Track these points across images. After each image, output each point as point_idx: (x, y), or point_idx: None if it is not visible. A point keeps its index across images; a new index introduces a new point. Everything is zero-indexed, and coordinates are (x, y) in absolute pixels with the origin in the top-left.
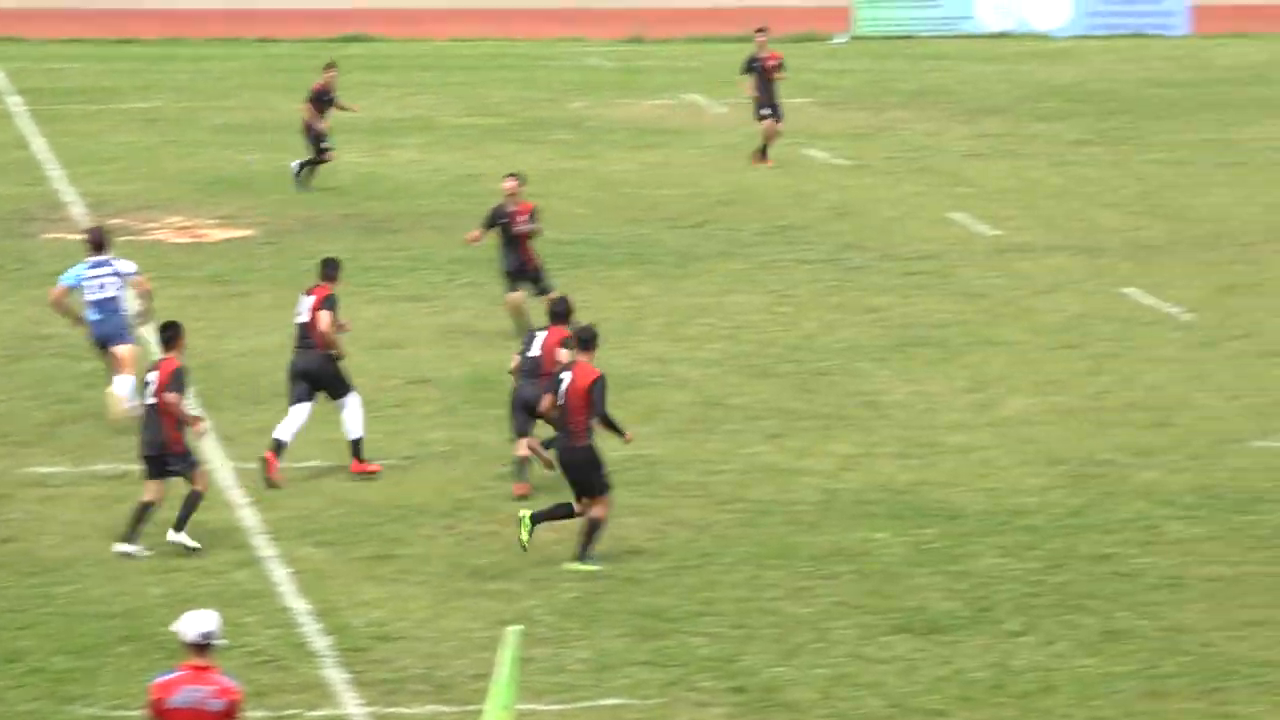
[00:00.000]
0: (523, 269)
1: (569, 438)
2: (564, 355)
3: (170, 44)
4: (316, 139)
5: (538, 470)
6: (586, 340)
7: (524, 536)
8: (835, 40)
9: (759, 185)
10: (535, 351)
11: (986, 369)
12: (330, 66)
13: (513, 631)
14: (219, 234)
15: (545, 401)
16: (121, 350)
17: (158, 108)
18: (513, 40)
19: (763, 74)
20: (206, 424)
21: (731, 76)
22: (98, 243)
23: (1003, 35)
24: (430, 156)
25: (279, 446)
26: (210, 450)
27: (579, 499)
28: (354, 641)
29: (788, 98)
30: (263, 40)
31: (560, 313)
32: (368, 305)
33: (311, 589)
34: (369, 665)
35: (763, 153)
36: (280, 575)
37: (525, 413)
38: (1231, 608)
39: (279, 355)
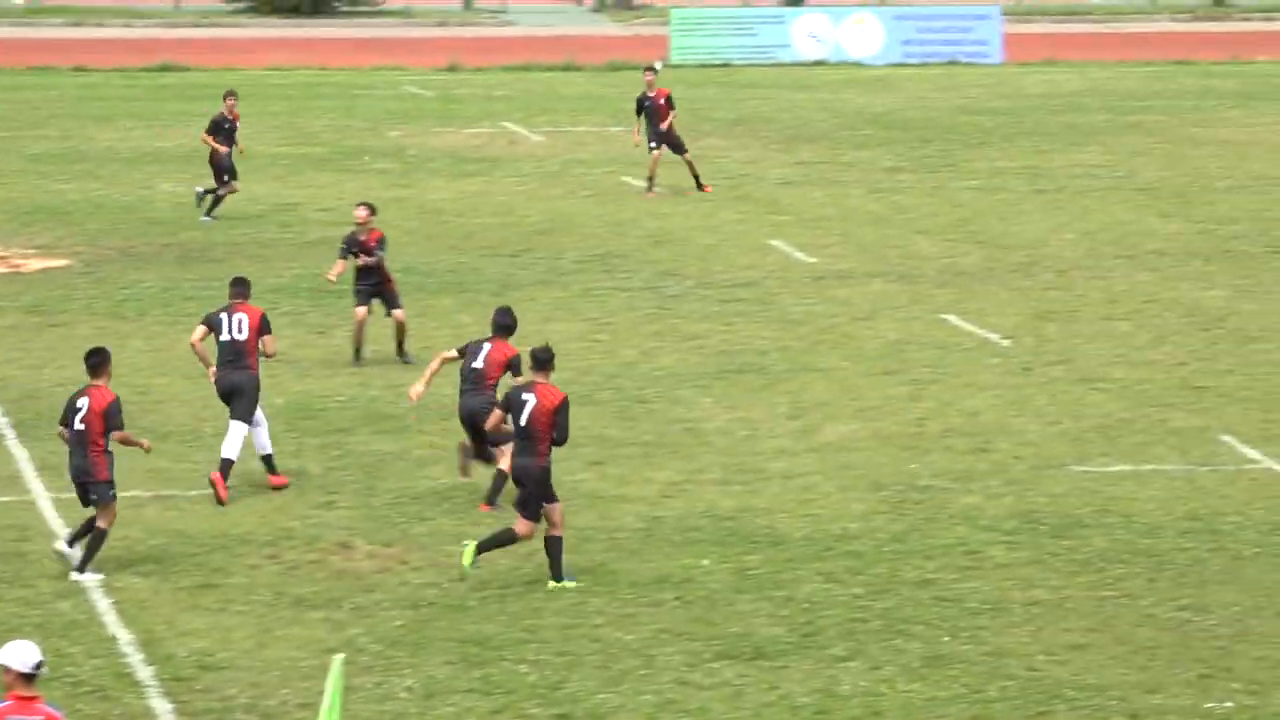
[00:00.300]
0: (376, 293)
1: (531, 456)
2: (513, 379)
3: None
4: (218, 170)
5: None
6: (545, 361)
7: (466, 563)
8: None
9: (577, 213)
10: (479, 364)
11: (807, 395)
12: (229, 95)
13: (337, 660)
14: (36, 264)
15: (493, 418)
16: None
17: None
18: (329, 69)
19: (653, 112)
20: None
21: (548, 105)
22: None
23: (818, 64)
24: (247, 186)
25: (227, 466)
26: (30, 481)
27: (524, 512)
28: (178, 671)
29: (603, 126)
30: (77, 69)
31: (506, 325)
32: (186, 335)
33: (134, 619)
34: (194, 695)
35: (696, 181)
36: (103, 605)
37: (471, 425)
38: (1054, 632)
39: None
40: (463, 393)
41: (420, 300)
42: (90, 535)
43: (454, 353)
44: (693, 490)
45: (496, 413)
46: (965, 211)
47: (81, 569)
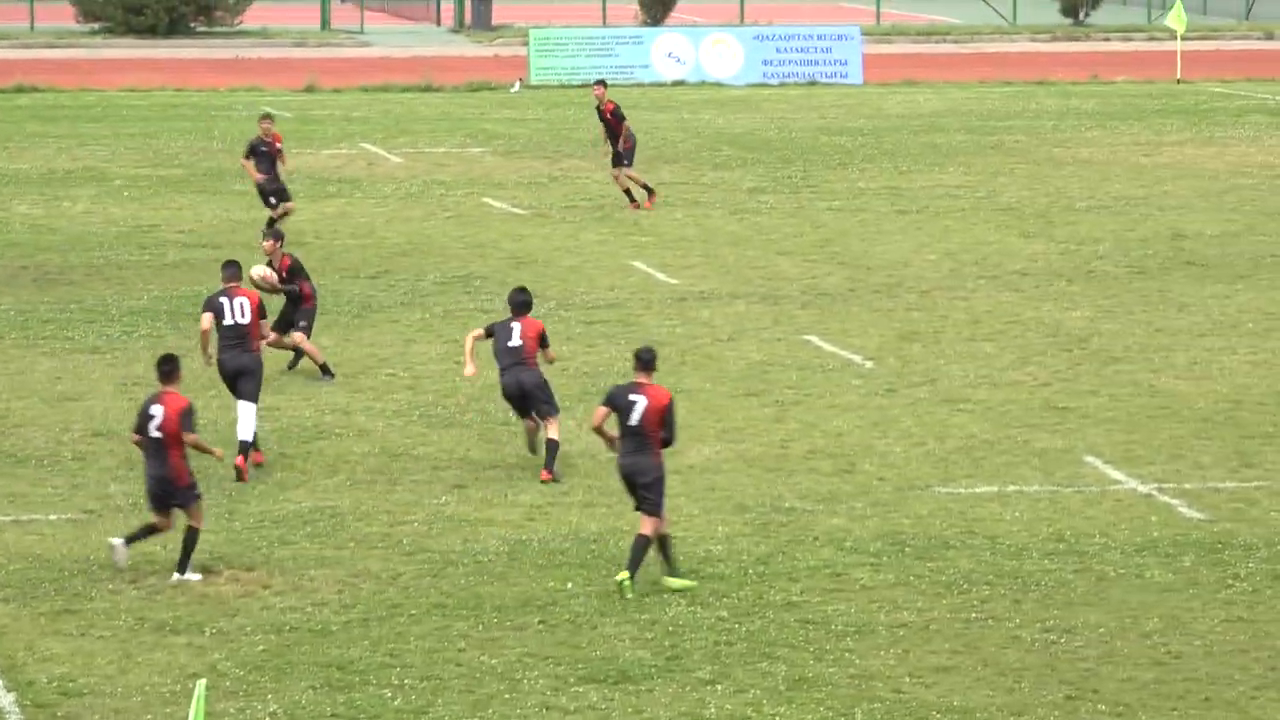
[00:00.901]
0: (296, 319)
1: (646, 454)
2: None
3: None
4: (262, 193)
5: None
6: (649, 361)
7: (629, 594)
8: (511, 89)
9: (437, 235)
10: (516, 341)
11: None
12: (265, 118)
13: (200, 685)
14: None
15: (597, 416)
16: None
17: None
18: (187, 90)
19: (608, 124)
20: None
21: (407, 126)
22: None
23: (678, 84)
24: (103, 208)
25: (245, 448)
26: None
27: (648, 509)
28: (39, 697)
29: (463, 147)
30: None
31: (526, 303)
32: (44, 358)
33: None
34: None
35: (647, 193)
36: None
37: (520, 400)
38: (920, 654)
39: None
40: (505, 370)
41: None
42: (185, 536)
43: (481, 331)
44: (557, 513)
45: (600, 410)
46: (827, 232)
47: (182, 570)
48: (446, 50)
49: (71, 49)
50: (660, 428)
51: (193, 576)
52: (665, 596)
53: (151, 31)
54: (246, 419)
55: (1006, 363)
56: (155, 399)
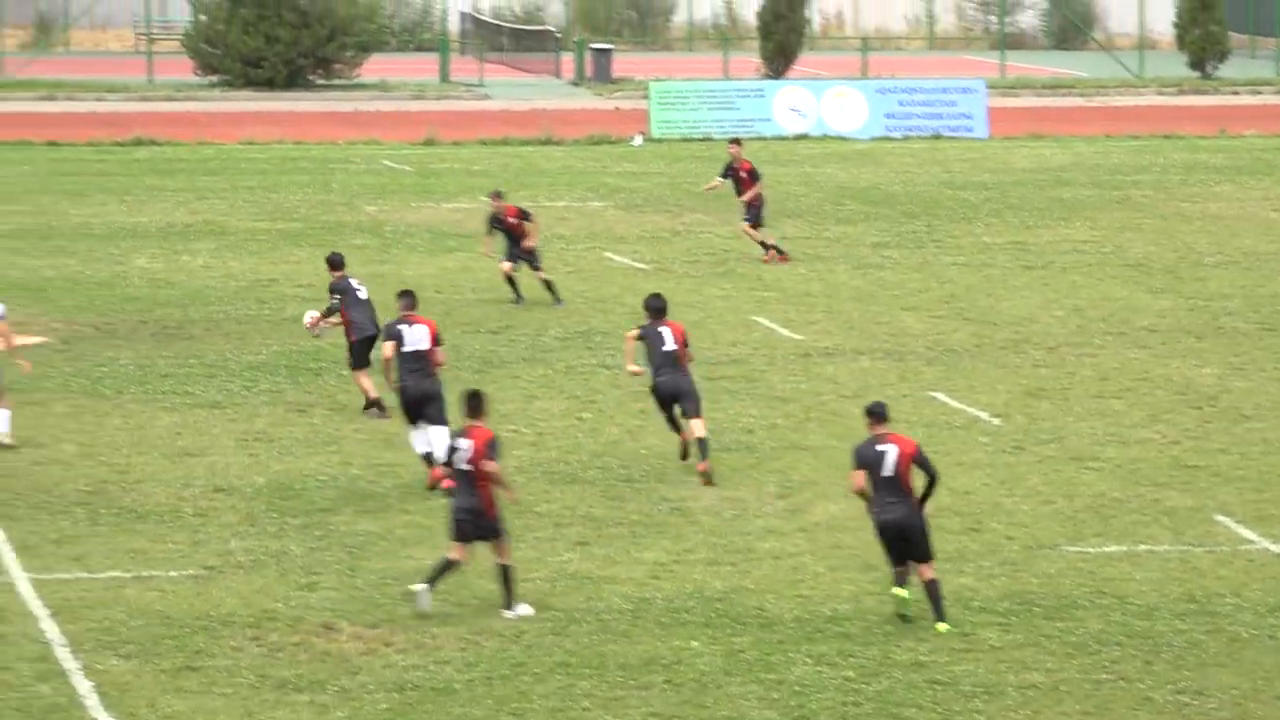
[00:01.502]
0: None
1: (906, 507)
2: (883, 438)
3: None
4: (524, 258)
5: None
6: (882, 412)
7: (906, 606)
8: (632, 142)
9: (560, 290)
10: (670, 345)
11: (795, 474)
12: (495, 195)
13: None
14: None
15: (855, 481)
16: None
17: None
18: (305, 143)
19: (739, 181)
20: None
21: (527, 179)
22: None
23: (801, 137)
24: (222, 262)
25: (430, 459)
26: (7, 562)
27: (900, 563)
28: None
29: (584, 201)
30: (50, 144)
31: (663, 307)
32: (164, 412)
33: (116, 702)
34: None
35: (777, 251)
36: (84, 688)
37: (672, 403)
38: (1050, 716)
39: (75, 464)
40: (660, 371)
41: None
42: (502, 574)
43: (635, 331)
44: (681, 571)
45: (857, 475)
46: (952, 287)
47: (509, 605)
48: (567, 103)
49: (190, 102)
50: (910, 474)
51: (523, 609)
52: (790, 655)
53: (270, 84)
54: (438, 440)
55: (1135, 420)
56: (462, 433)
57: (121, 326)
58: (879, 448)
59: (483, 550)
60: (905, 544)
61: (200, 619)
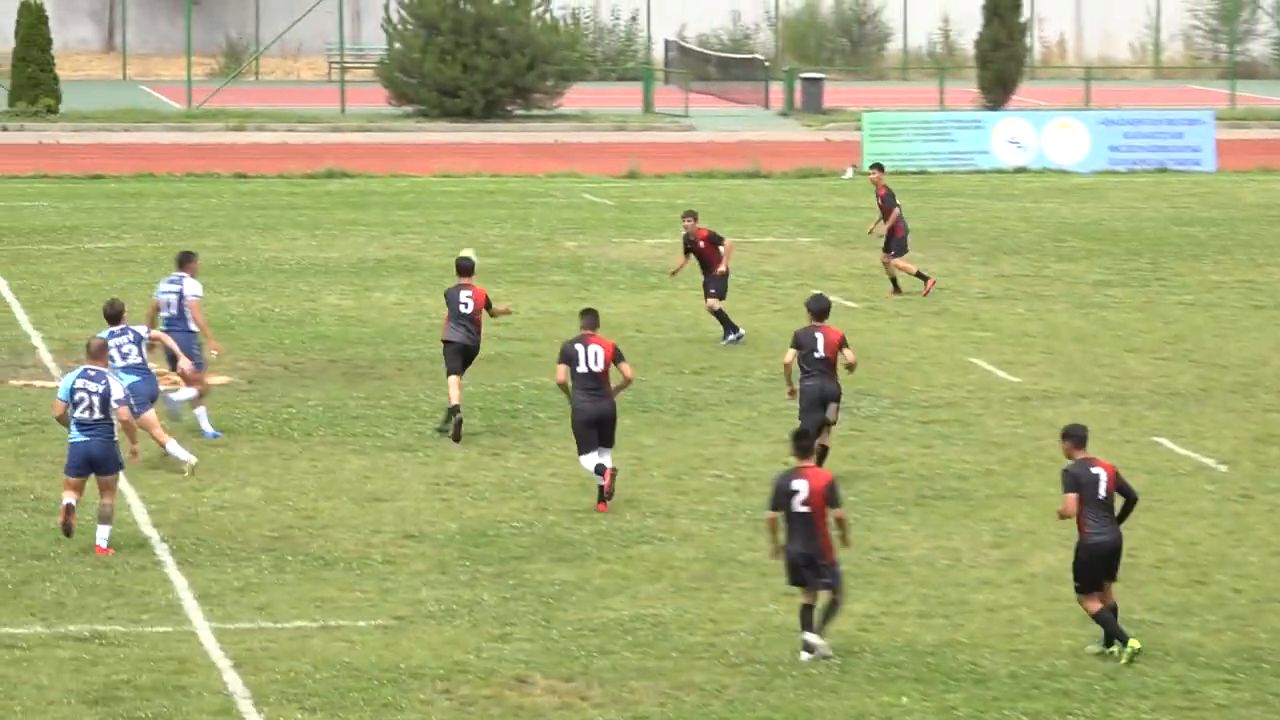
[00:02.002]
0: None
1: (1114, 529)
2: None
3: (140, 180)
4: (712, 285)
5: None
6: (1082, 436)
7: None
8: (843, 175)
9: (764, 329)
10: (821, 351)
11: (1012, 523)
12: (688, 215)
13: None
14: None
15: (1067, 505)
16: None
17: (128, 247)
18: (502, 176)
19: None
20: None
21: (733, 214)
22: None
23: (1020, 171)
24: (416, 299)
25: (601, 470)
26: (190, 611)
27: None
28: None
29: (792, 237)
30: (238, 176)
31: (824, 309)
32: (353, 456)
33: None
34: None
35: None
36: None
37: (820, 406)
38: None
39: (260, 509)
40: (811, 378)
41: None
42: (830, 609)
43: (792, 352)
44: (891, 623)
45: (1070, 499)
46: (1178, 328)
47: (821, 636)
48: (775, 134)
49: (383, 133)
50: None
51: (823, 648)
52: (1005, 713)
53: (466, 115)
54: (607, 458)
55: None
56: (795, 474)
57: (310, 366)
58: (1093, 469)
59: (667, 593)
60: (1106, 564)
61: (389, 671)
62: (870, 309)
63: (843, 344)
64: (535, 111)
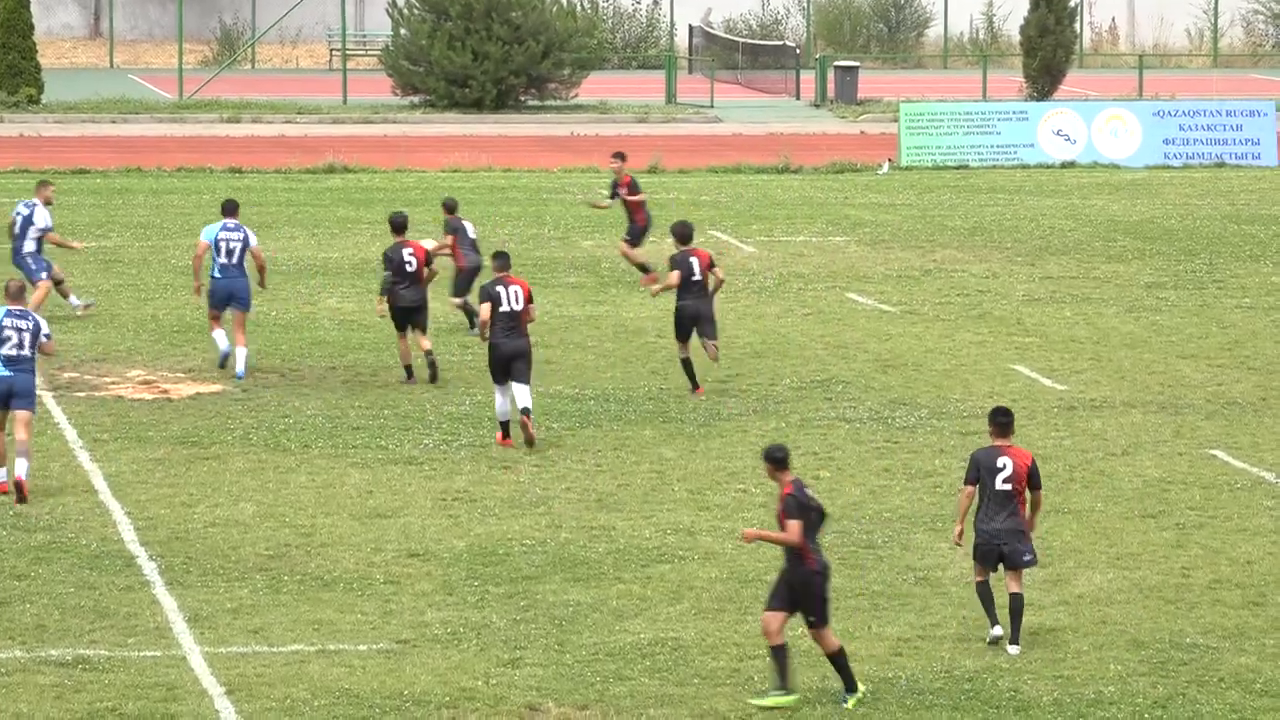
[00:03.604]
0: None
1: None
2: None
3: (128, 175)
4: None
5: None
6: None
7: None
8: (879, 171)
9: (795, 334)
10: (698, 275)
11: (1057, 541)
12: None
13: None
14: (187, 389)
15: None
16: None
17: (114, 247)
18: (515, 171)
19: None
20: None
21: (761, 211)
22: None
23: (1068, 165)
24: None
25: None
26: (179, 634)
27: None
28: None
29: (824, 236)
30: (232, 170)
31: (689, 234)
32: (354, 469)
33: None
34: None
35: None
36: None
37: (694, 324)
38: None
39: (255, 526)
40: (685, 297)
41: (617, 431)
42: (1014, 604)
43: (676, 274)
44: (927, 647)
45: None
46: (1236, 333)
47: (1015, 640)
48: (806, 127)
49: (388, 125)
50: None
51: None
52: None
53: (477, 106)
54: (522, 395)
55: None
56: (999, 451)
57: (309, 373)
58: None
59: (688, 615)
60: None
61: (391, 698)
62: (907, 313)
63: (711, 264)
64: (550, 102)
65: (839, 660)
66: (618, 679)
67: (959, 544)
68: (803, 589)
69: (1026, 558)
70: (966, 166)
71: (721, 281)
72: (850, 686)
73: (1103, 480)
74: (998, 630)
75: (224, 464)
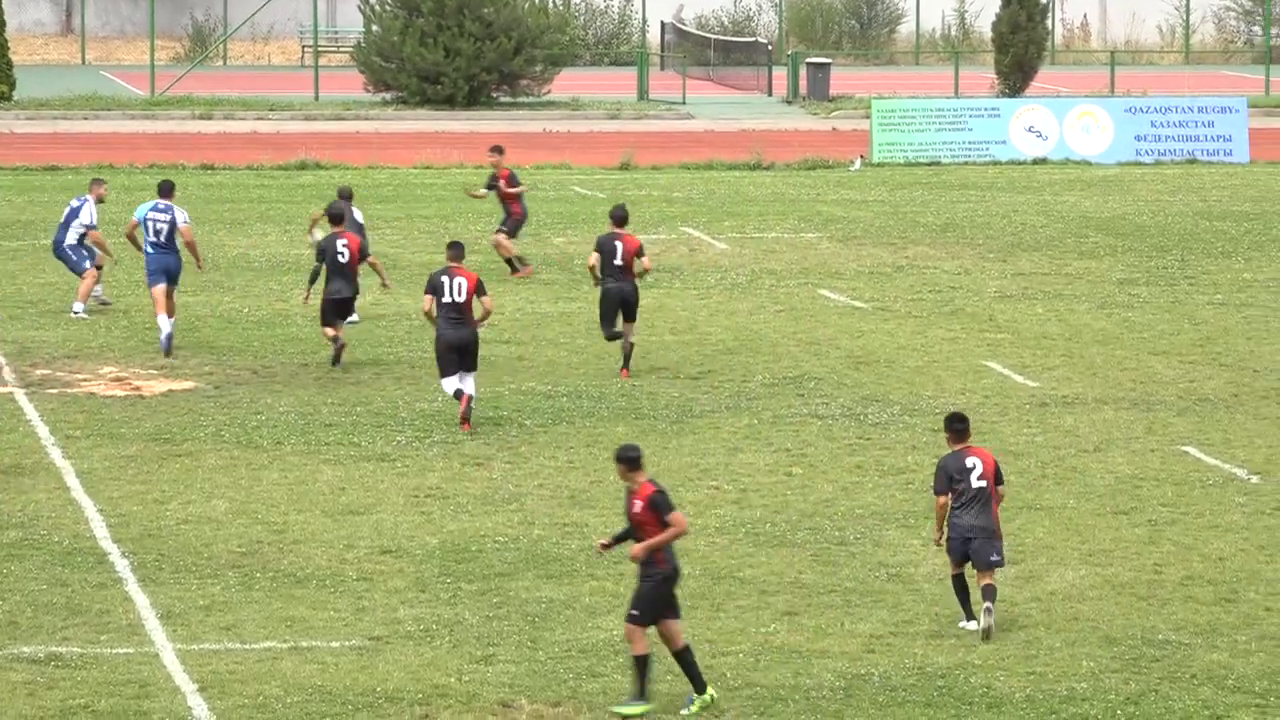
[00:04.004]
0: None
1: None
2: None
3: (100, 171)
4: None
5: None
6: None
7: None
8: (851, 167)
9: (767, 331)
10: (619, 260)
11: (1029, 537)
12: (494, 150)
13: None
14: (159, 386)
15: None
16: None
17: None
18: (488, 168)
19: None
20: None
21: (733, 208)
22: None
23: (1039, 162)
24: (394, 298)
25: (460, 395)
26: (152, 631)
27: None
28: None
29: (796, 232)
30: (204, 167)
31: (623, 217)
32: (326, 466)
33: None
34: None
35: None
36: None
37: (620, 308)
38: None
39: (227, 523)
40: (610, 279)
41: (590, 428)
42: (986, 592)
43: (595, 255)
44: (900, 644)
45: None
46: (1208, 329)
47: (981, 621)
48: (778, 123)
49: (360, 121)
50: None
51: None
52: None
53: (449, 103)
54: (469, 383)
55: None
56: (965, 453)
57: (281, 370)
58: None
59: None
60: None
61: (364, 695)
62: (879, 309)
63: (639, 252)
64: (522, 99)
65: (685, 658)
66: (590, 676)
67: (940, 544)
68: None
69: (994, 558)
70: (938, 163)
71: (647, 269)
72: (699, 687)
73: (1075, 477)
74: (971, 624)
75: (196, 461)
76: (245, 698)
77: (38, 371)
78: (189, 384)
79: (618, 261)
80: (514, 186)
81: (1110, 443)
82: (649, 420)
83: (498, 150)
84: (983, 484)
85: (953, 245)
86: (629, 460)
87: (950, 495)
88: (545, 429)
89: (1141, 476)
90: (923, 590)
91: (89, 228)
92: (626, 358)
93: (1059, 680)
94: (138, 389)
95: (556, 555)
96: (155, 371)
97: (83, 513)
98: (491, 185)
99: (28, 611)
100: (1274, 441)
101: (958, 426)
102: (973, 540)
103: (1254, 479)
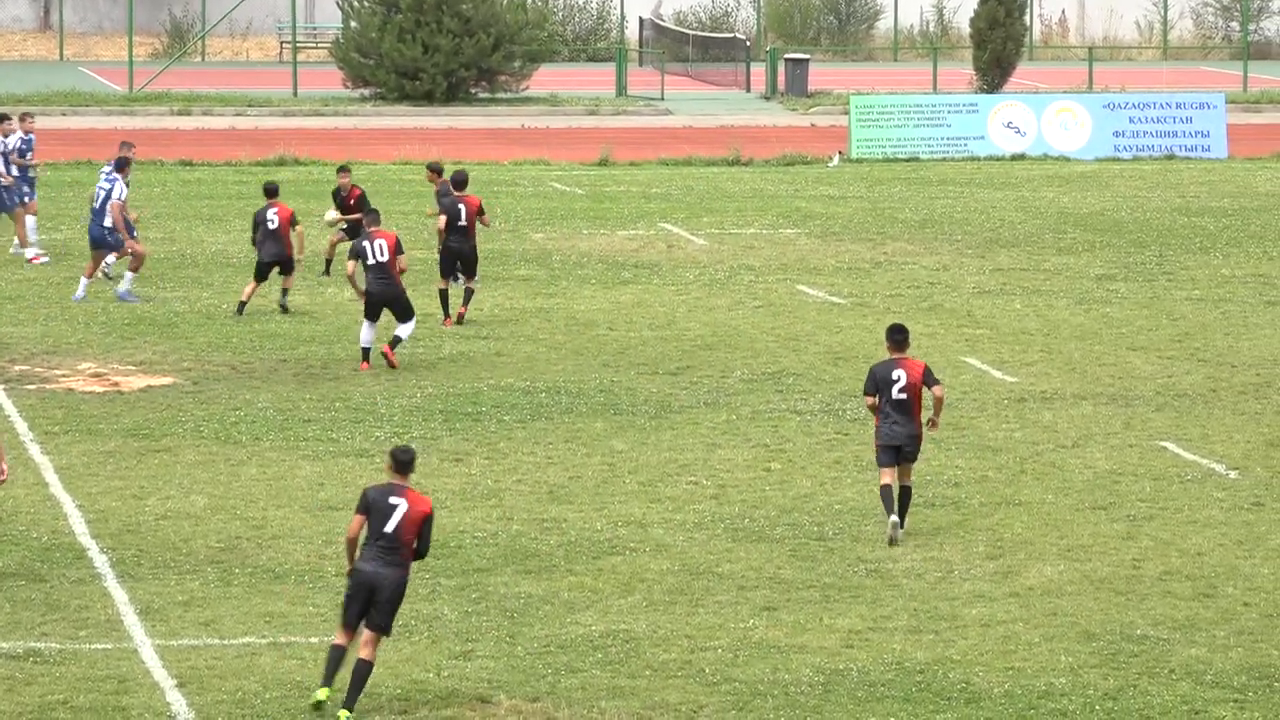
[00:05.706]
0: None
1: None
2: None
3: (78, 167)
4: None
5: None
6: (899, 339)
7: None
8: (829, 163)
9: (746, 327)
10: (464, 220)
11: (1007, 533)
12: (343, 171)
13: None
14: (137, 382)
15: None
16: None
17: (64, 240)
18: (466, 163)
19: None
20: None
21: (712, 204)
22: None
23: (1018, 158)
24: None
25: (397, 341)
26: (131, 627)
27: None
28: None
29: (775, 229)
30: (182, 163)
31: (462, 181)
32: (305, 461)
33: None
34: None
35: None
36: None
37: (457, 266)
38: None
39: (206, 519)
40: (451, 240)
41: (569, 424)
42: (903, 496)
43: (443, 218)
44: (878, 640)
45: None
46: (1186, 325)
47: (901, 524)
48: (757, 120)
49: (339, 117)
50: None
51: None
52: None
53: (427, 98)
54: (403, 330)
55: None
56: (894, 364)
57: (260, 366)
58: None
59: (640, 607)
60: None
61: (342, 690)
62: (858, 305)
63: (481, 210)
64: (501, 95)
65: (363, 672)
66: (569, 671)
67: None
68: (393, 588)
69: (911, 451)
70: (917, 159)
71: (487, 225)
72: (350, 705)
73: (1053, 472)
74: (894, 518)
75: (175, 457)
76: (224, 693)
77: (16, 367)
78: (167, 380)
79: (461, 222)
80: (366, 203)
81: (1089, 438)
82: (627, 415)
83: (344, 170)
84: (903, 396)
85: (931, 241)
86: (403, 463)
87: (878, 398)
88: (523, 425)
89: (1120, 472)
90: (901, 586)
91: (118, 201)
92: (465, 302)
93: (1037, 675)
94: (116, 385)
95: (535, 551)
96: (134, 367)
97: (61, 508)
98: (340, 204)
99: (6, 607)
100: (1252, 437)
101: (897, 337)
102: (902, 448)
103: (1232, 474)
